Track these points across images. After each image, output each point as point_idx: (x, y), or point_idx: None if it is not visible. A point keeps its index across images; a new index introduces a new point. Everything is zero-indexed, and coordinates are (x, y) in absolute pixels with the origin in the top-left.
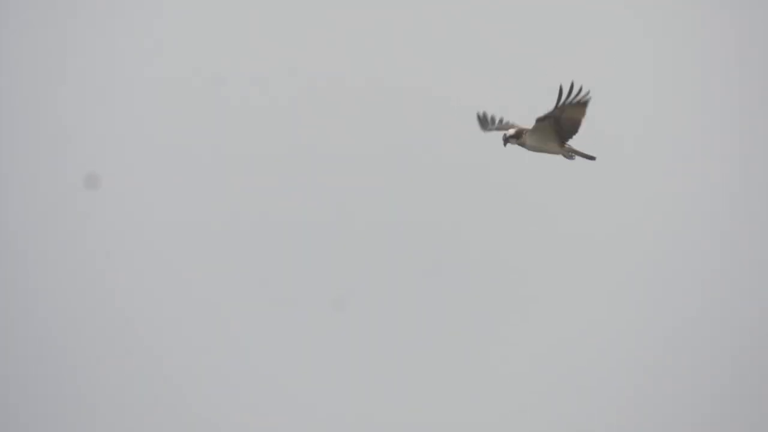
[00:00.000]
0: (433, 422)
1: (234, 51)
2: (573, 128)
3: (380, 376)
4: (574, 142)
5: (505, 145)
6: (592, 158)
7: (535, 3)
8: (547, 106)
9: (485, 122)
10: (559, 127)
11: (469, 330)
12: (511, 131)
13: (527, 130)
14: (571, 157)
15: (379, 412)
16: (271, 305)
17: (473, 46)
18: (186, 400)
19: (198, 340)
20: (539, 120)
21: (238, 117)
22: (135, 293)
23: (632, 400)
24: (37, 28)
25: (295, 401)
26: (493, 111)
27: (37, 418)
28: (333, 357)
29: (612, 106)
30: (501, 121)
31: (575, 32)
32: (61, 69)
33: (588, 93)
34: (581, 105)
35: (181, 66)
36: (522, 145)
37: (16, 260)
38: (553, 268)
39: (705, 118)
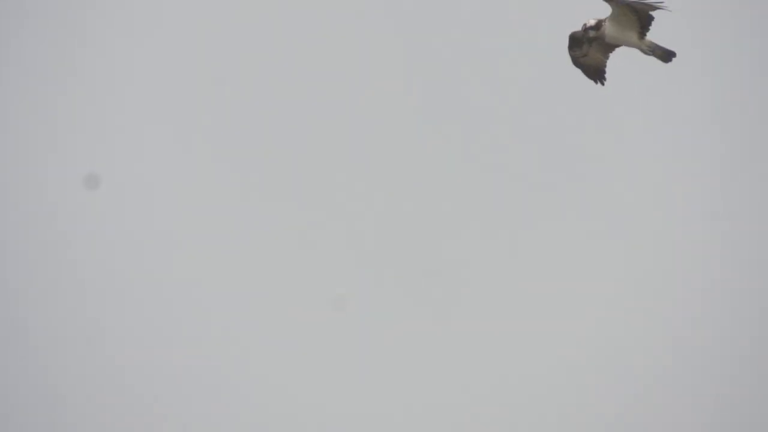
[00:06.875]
0: (433, 421)
1: (234, 50)
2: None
3: (380, 376)
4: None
5: (583, 35)
6: (671, 54)
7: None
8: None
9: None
10: (637, 14)
11: (469, 329)
12: (591, 22)
13: (606, 19)
14: (648, 53)
15: (379, 411)
16: (271, 305)
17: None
18: (185, 400)
19: (197, 340)
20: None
21: (238, 116)
22: (135, 292)
23: (631, 400)
24: (37, 28)
25: (295, 401)
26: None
27: (37, 419)
28: (333, 357)
29: (612, 105)
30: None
31: None
32: (61, 68)
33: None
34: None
35: (181, 66)
36: (601, 36)
37: (15, 260)
38: (552, 268)
39: (706, 118)
